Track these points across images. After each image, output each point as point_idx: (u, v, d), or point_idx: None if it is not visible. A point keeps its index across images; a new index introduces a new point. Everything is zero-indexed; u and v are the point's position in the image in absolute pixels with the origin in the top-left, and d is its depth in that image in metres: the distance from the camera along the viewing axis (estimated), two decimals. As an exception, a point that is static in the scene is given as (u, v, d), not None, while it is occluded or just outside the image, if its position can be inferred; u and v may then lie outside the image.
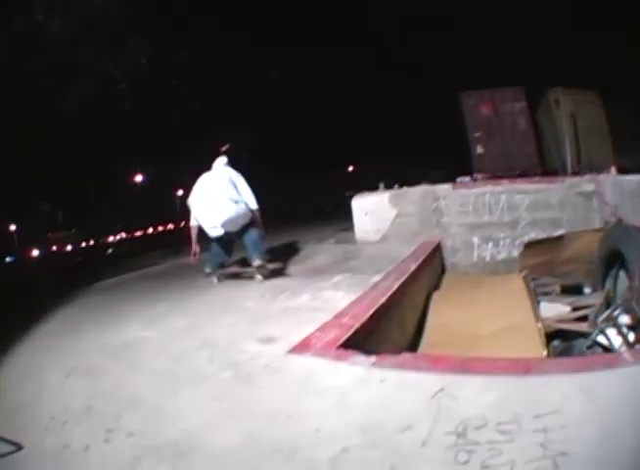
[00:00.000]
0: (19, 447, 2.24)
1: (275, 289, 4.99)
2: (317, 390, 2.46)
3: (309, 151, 36.53)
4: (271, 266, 5.73)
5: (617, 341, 3.86)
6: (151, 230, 46.05)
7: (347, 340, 3.05)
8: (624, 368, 2.16)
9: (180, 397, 2.65)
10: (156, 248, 13.11)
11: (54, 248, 43.16)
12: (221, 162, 5.97)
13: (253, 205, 5.70)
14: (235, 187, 5.65)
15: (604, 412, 1.83)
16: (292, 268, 6.23)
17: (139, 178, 42.14)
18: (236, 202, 5.54)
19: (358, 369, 2.59)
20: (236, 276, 5.99)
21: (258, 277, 5.61)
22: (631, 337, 3.82)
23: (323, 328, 3.32)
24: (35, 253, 39.69)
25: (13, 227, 39.76)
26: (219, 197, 5.50)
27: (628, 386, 2.02)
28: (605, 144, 10.99)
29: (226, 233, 5.61)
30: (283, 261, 6.42)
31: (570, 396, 1.95)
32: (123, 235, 46.76)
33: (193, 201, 5.78)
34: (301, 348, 3.02)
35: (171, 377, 2.95)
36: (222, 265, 6.06)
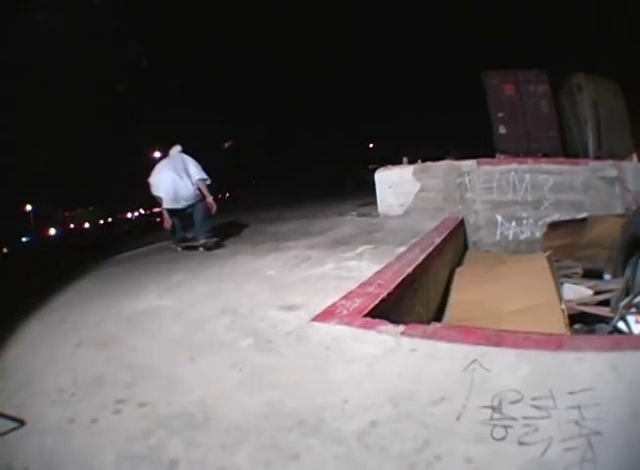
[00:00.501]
0: (21, 424, 2.11)
1: (297, 258, 4.86)
2: (343, 359, 2.32)
3: (330, 128, 36.37)
4: (212, 240, 6.70)
5: (636, 328, 3.80)
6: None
7: (374, 309, 2.93)
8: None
9: (197, 365, 2.52)
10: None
11: (71, 226, 43.43)
12: (177, 149, 7.11)
13: (203, 175, 6.84)
14: (187, 169, 6.78)
15: (634, 394, 1.73)
16: (313, 239, 6.11)
17: (157, 154, 42.10)
18: (189, 180, 6.69)
19: (387, 338, 2.46)
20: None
21: (201, 249, 6.66)
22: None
23: (348, 296, 3.19)
24: (52, 232, 39.94)
25: (29, 207, 39.92)
26: (176, 177, 6.62)
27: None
28: (624, 133, 10.77)
29: (182, 208, 6.69)
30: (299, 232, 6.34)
31: (601, 374, 1.86)
32: (142, 211, 46.90)
33: (153, 181, 6.74)
34: (326, 316, 2.90)
35: (188, 345, 2.82)
36: (184, 239, 7.08)
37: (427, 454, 1.56)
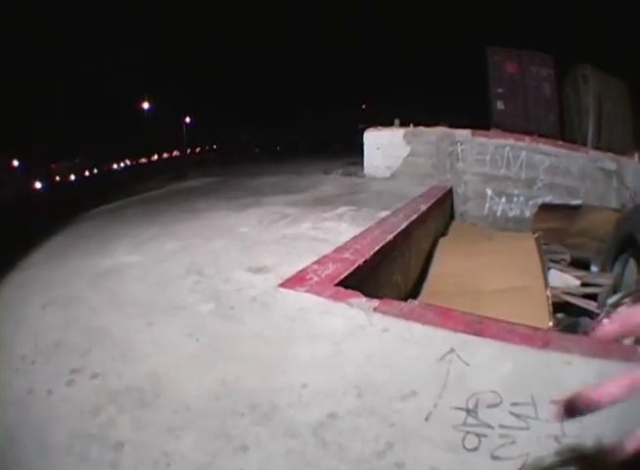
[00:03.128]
0: None
1: (274, 215, 4.71)
2: (308, 334, 2.16)
3: (323, 87, 36.05)
4: None
5: None
6: (156, 157, 45.50)
7: (347, 277, 2.77)
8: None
9: (153, 331, 2.38)
10: (158, 174, 12.88)
11: (57, 178, 42.79)
12: None
13: None
14: None
15: (618, 413, 1.51)
16: (294, 196, 5.93)
17: (145, 105, 41.42)
18: None
19: (357, 313, 2.29)
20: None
21: None
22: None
23: (321, 261, 3.04)
24: (38, 185, 39.41)
25: (15, 163, 39.33)
26: None
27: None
28: (625, 131, 10.73)
29: None
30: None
31: (588, 383, 1.65)
32: (128, 162, 46.30)
33: None
34: (295, 282, 2.74)
35: (148, 307, 2.68)
36: None
37: (389, 460, 1.41)
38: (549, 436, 1.43)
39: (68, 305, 2.87)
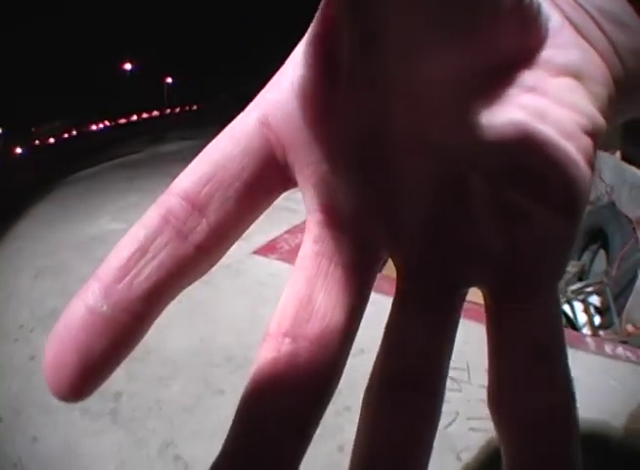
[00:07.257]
0: None
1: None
2: (276, 297, 2.25)
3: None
4: None
5: (581, 317, 3.75)
6: (135, 117, 44.43)
7: None
8: (585, 354, 2.03)
9: None
10: (137, 135, 12.76)
11: (37, 142, 41.73)
12: None
13: None
14: None
15: None
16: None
17: (128, 66, 40.39)
18: None
19: None
20: None
21: None
22: (597, 320, 3.72)
23: (292, 231, 3.21)
24: (18, 151, 38.45)
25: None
26: None
27: (584, 373, 1.82)
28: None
29: None
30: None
31: None
32: (107, 123, 45.27)
33: None
34: (267, 249, 2.96)
35: None
36: None
37: (338, 404, 1.63)
38: (478, 401, 1.66)
39: (59, 275, 3.03)
